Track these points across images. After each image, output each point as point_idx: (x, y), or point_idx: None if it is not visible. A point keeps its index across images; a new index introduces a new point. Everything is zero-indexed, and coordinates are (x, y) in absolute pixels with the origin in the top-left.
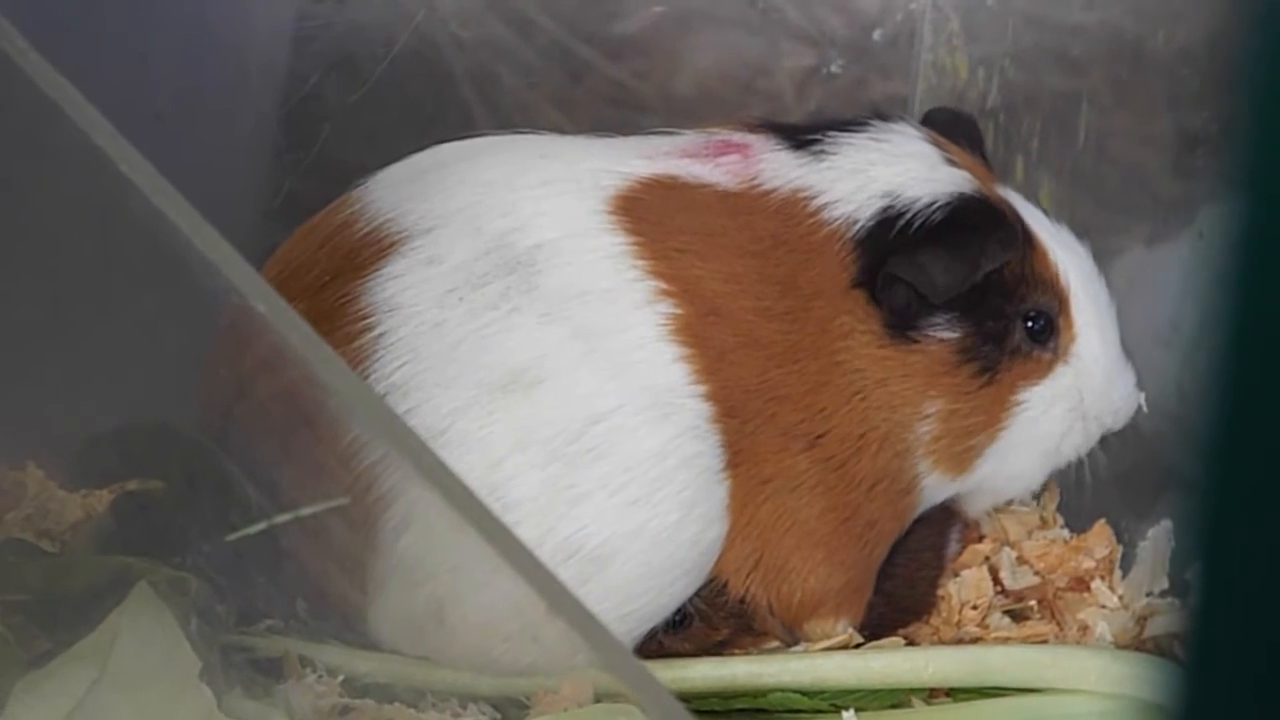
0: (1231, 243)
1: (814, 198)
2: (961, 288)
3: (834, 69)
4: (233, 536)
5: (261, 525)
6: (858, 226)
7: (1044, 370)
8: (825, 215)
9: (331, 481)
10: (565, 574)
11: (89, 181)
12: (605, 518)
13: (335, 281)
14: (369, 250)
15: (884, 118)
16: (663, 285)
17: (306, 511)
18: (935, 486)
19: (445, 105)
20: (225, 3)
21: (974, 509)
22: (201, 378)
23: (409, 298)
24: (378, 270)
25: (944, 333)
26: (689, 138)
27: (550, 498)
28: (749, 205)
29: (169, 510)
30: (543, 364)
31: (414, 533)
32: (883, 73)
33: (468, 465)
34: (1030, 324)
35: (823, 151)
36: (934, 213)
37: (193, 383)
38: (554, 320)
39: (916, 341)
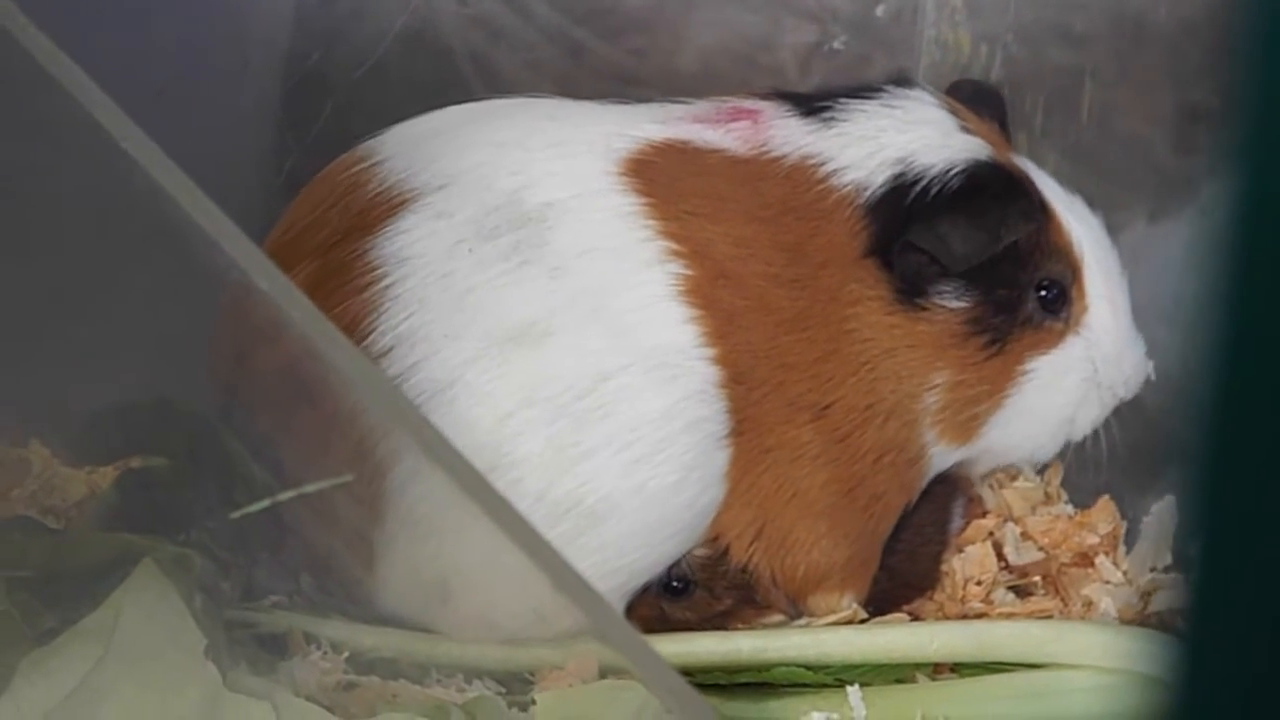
0: (1230, 216)
1: (823, 164)
2: (981, 258)
3: (837, 45)
4: (237, 514)
5: (265, 502)
6: (869, 193)
7: (1055, 340)
8: (834, 181)
9: (335, 458)
10: (563, 527)
11: (91, 158)
12: (607, 474)
13: (346, 239)
14: (380, 208)
15: (900, 83)
16: (673, 246)
17: (310, 488)
18: (941, 455)
19: (446, 83)
20: None
21: (979, 472)
22: (203, 354)
23: (418, 249)
24: (387, 226)
25: (954, 301)
26: (701, 104)
27: (555, 454)
28: (758, 171)
29: (173, 487)
30: (552, 318)
31: (417, 510)
32: (886, 48)
33: (474, 418)
34: (1043, 293)
35: (833, 118)
36: (951, 180)
37: (196, 359)
38: (565, 275)
39: (925, 309)
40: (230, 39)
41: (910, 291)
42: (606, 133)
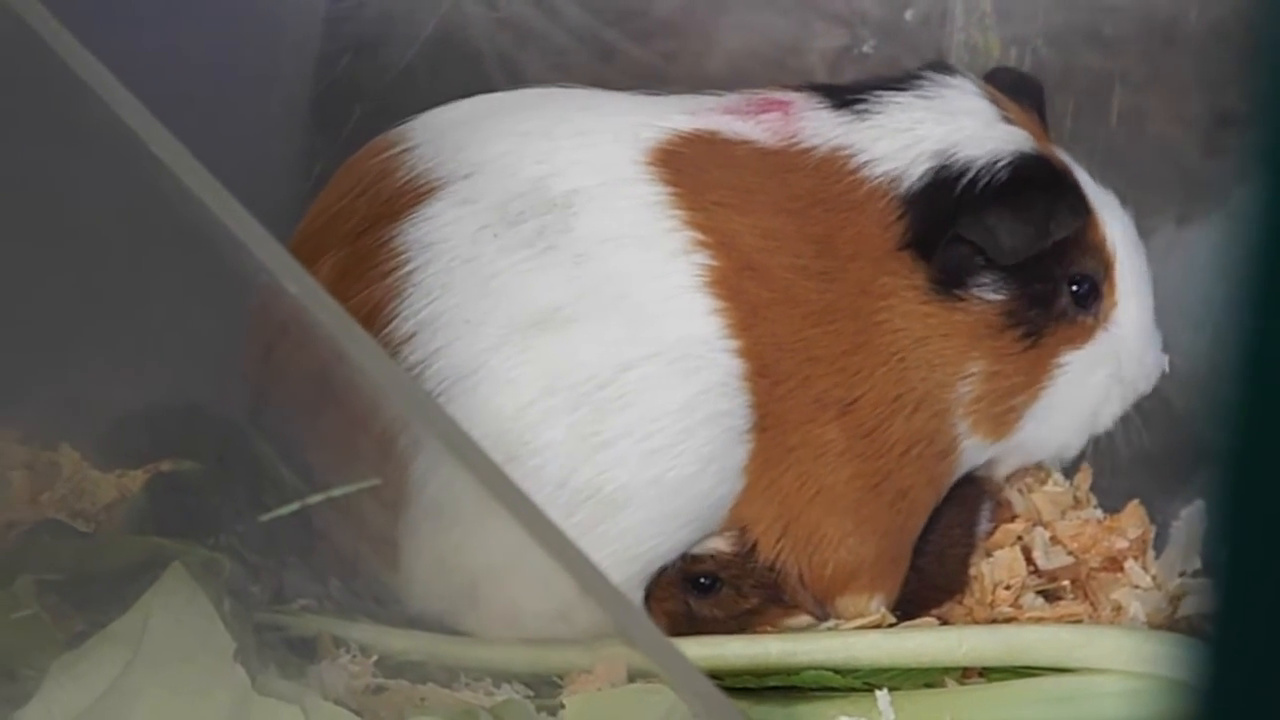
0: (1258, 219)
1: (854, 156)
2: (1029, 253)
3: (866, 49)
4: (266, 517)
5: (294, 506)
6: (906, 185)
7: (1086, 335)
8: (866, 173)
9: (363, 462)
10: (581, 515)
11: (120, 162)
12: (626, 464)
13: (374, 227)
14: (406, 196)
15: (939, 70)
16: (699, 236)
17: (339, 492)
18: (974, 450)
19: (475, 87)
20: None
21: (1006, 471)
22: (231, 358)
23: (442, 235)
24: (413, 213)
25: (990, 293)
26: (732, 96)
27: (576, 443)
28: (787, 162)
29: (202, 490)
30: (576, 305)
31: (445, 513)
32: (915, 52)
33: (497, 406)
34: (1076, 288)
35: (866, 110)
36: (998, 171)
37: (224, 363)
38: (589, 262)
39: (962, 300)
40: (260, 43)
41: (948, 283)
42: (635, 122)
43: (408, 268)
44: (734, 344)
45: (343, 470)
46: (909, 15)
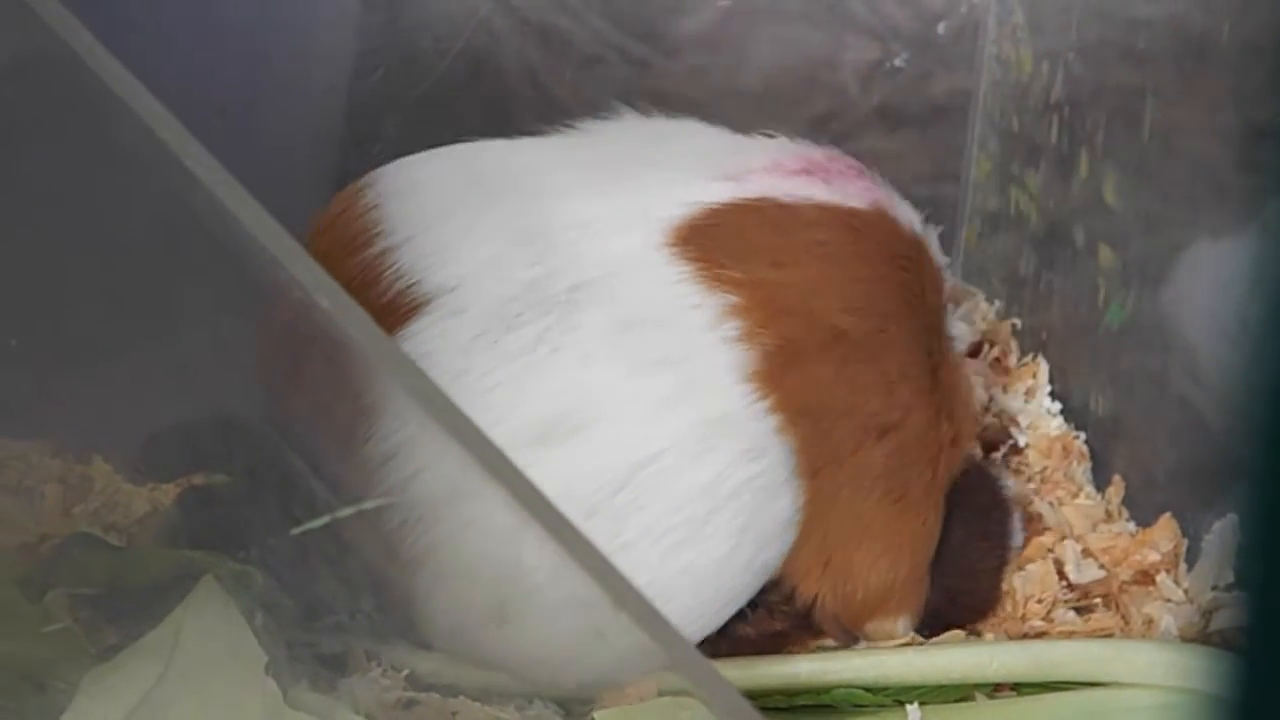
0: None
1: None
2: None
3: (898, 63)
4: (297, 530)
5: (325, 519)
6: None
7: None
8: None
9: (394, 476)
10: None
11: (153, 176)
12: (648, 564)
13: None
14: (392, 316)
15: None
16: (731, 299)
17: (370, 505)
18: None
19: (508, 101)
20: None
21: None
22: (263, 372)
23: (428, 349)
24: (401, 330)
25: None
26: (768, 148)
27: None
28: (861, 221)
29: (234, 504)
30: (585, 408)
31: (475, 527)
32: (947, 66)
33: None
34: None
35: None
36: None
37: (256, 377)
38: (599, 359)
39: None
40: (292, 57)
41: None
42: (644, 203)
43: None
44: (763, 404)
45: (373, 484)
46: (941, 29)
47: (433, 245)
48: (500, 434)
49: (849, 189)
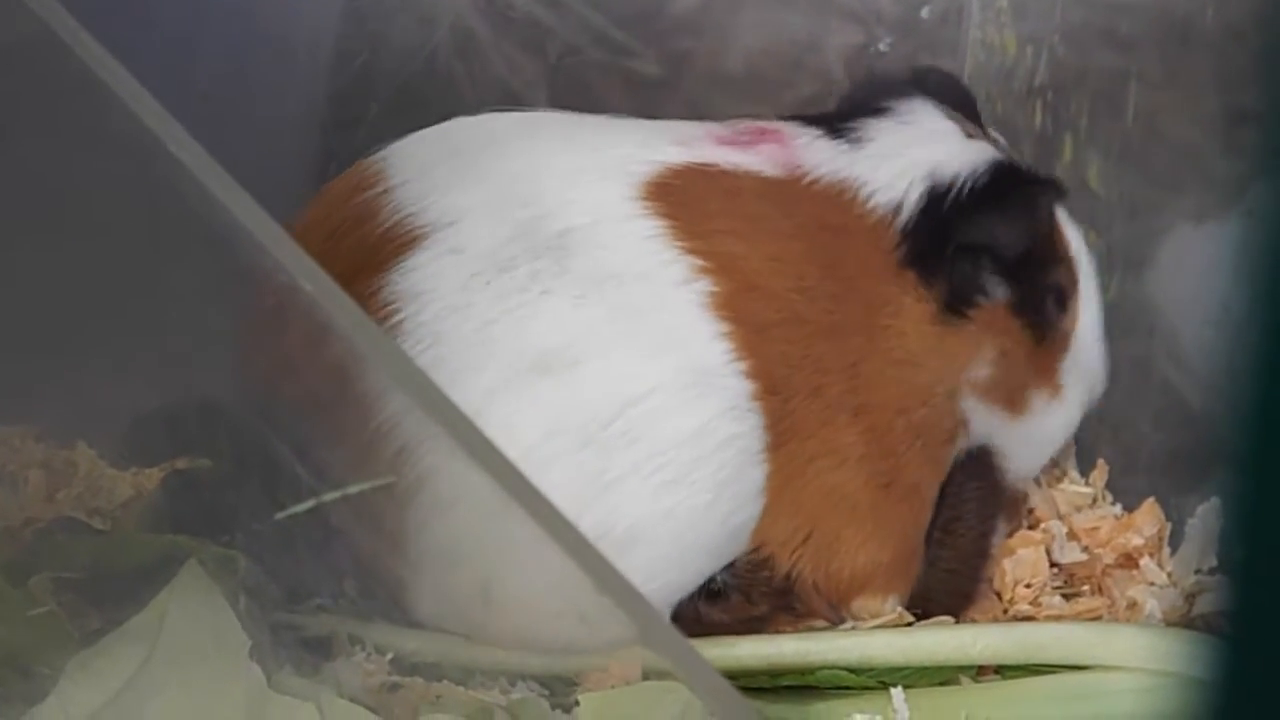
0: (1275, 218)
1: (857, 184)
2: (1031, 238)
3: (882, 47)
4: (281, 515)
5: (310, 503)
6: (905, 211)
7: (1064, 345)
8: (870, 201)
9: (378, 460)
10: None
11: (136, 160)
12: (636, 501)
13: (358, 277)
14: (390, 246)
15: (900, 94)
16: (699, 263)
17: (354, 489)
18: (979, 429)
19: (490, 86)
20: None
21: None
22: (247, 356)
23: (431, 284)
24: (399, 263)
25: (998, 294)
26: (717, 125)
27: (582, 484)
28: (790, 191)
29: (218, 489)
30: (577, 345)
31: (459, 510)
32: (931, 50)
33: None
34: (1055, 297)
35: (859, 139)
36: (979, 178)
37: (240, 362)
38: (588, 302)
39: (971, 311)
40: (276, 42)
41: (955, 302)
42: (622, 156)
43: (397, 318)
44: (742, 365)
45: (358, 469)
46: (925, 13)
47: (432, 183)
48: (497, 364)
49: (768, 154)
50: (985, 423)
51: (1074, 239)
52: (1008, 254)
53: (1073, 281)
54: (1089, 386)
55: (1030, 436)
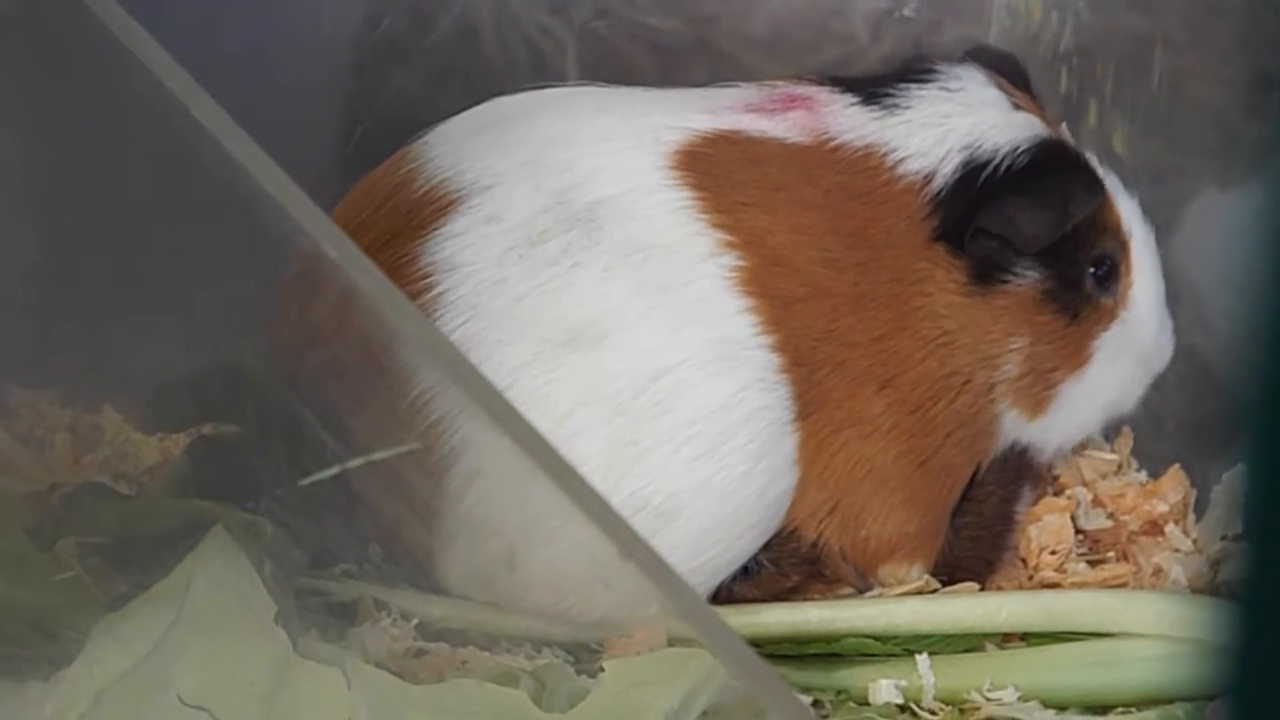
0: None
1: (888, 152)
2: (1052, 238)
3: (907, 12)
4: (306, 481)
5: (334, 470)
6: (938, 180)
7: (1109, 317)
8: (901, 169)
9: (403, 426)
10: None
11: (162, 126)
12: (670, 472)
13: (394, 241)
14: (427, 209)
15: (939, 64)
16: (726, 237)
17: (379, 456)
18: (1011, 427)
19: (515, 51)
20: None
21: (1044, 457)
22: (273, 322)
23: (468, 256)
24: (436, 229)
25: (1026, 276)
26: (751, 90)
27: (615, 454)
28: (817, 159)
29: (243, 454)
30: (606, 319)
31: (485, 479)
32: (956, 15)
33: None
34: (1096, 270)
35: (895, 105)
36: (1019, 159)
37: (266, 327)
38: (616, 275)
39: (999, 285)
40: (300, 7)
41: (982, 274)
42: (655, 124)
43: (436, 290)
44: (768, 339)
45: (382, 434)
46: None
47: (469, 149)
48: (530, 336)
49: (795, 120)
50: (1015, 429)
51: (1126, 210)
52: (1027, 250)
53: (1122, 251)
54: (1145, 361)
55: (1058, 423)
